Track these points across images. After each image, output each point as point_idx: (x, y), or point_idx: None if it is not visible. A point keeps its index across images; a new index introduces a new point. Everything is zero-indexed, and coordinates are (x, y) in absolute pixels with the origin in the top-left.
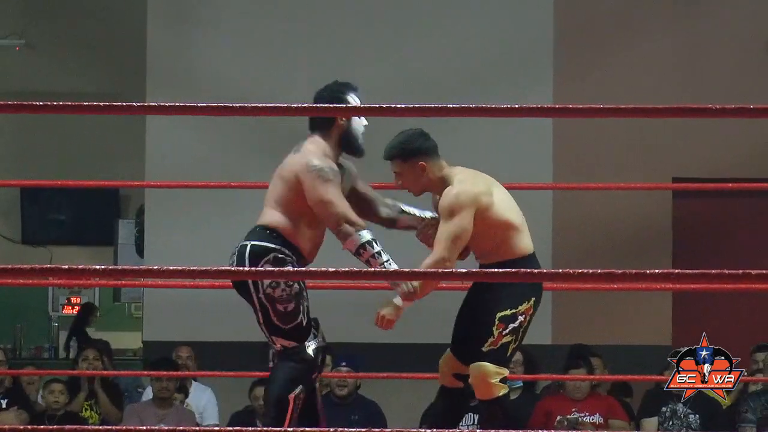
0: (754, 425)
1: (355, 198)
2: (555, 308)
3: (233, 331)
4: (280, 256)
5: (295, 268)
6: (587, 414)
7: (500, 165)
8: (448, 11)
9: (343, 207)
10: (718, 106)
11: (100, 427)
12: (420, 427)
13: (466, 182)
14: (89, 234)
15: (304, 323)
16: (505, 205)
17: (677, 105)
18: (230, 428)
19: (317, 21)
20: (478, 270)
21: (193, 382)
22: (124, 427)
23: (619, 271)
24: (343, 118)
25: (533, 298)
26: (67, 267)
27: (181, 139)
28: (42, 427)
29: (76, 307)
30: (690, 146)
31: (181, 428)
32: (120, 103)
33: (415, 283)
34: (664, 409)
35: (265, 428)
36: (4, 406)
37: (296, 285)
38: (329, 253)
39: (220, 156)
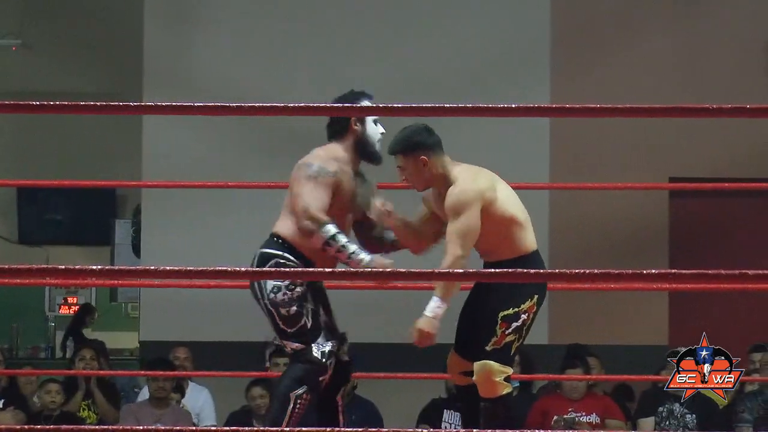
0: (750, 425)
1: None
2: (552, 308)
3: (230, 331)
4: (281, 261)
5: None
6: (584, 414)
7: (497, 164)
8: (445, 11)
9: (309, 201)
10: (715, 106)
11: (97, 427)
12: (417, 427)
13: (470, 179)
14: (86, 234)
15: (309, 325)
16: (509, 201)
17: (675, 105)
18: (227, 428)
19: (314, 21)
20: (476, 270)
21: (189, 382)
22: (121, 427)
23: (616, 271)
24: (357, 124)
25: (536, 296)
26: (63, 267)
27: (178, 139)
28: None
29: (73, 307)
30: (687, 146)
31: (177, 428)
32: (117, 103)
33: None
34: (660, 408)
35: (261, 428)
36: (0, 406)
37: (298, 289)
38: None
39: (217, 156)
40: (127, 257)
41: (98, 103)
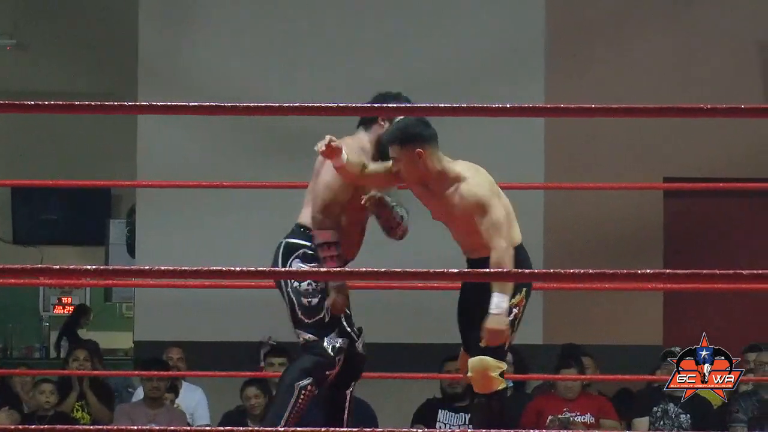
0: (745, 425)
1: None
2: (546, 308)
3: (225, 330)
4: (309, 252)
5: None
6: (578, 414)
7: (492, 164)
8: (440, 11)
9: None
10: (709, 106)
11: (91, 427)
12: (412, 427)
13: (477, 174)
14: (80, 234)
15: (327, 319)
16: (503, 196)
17: (669, 105)
18: (222, 428)
19: (310, 20)
20: (470, 270)
21: (183, 382)
22: (115, 427)
23: (611, 271)
24: (384, 122)
25: (524, 289)
26: (58, 267)
27: (172, 139)
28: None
29: (68, 307)
30: (682, 146)
31: (172, 428)
32: (112, 103)
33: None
34: (655, 408)
35: (256, 428)
36: None
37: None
38: None
39: (211, 156)
40: (122, 257)
41: (93, 103)
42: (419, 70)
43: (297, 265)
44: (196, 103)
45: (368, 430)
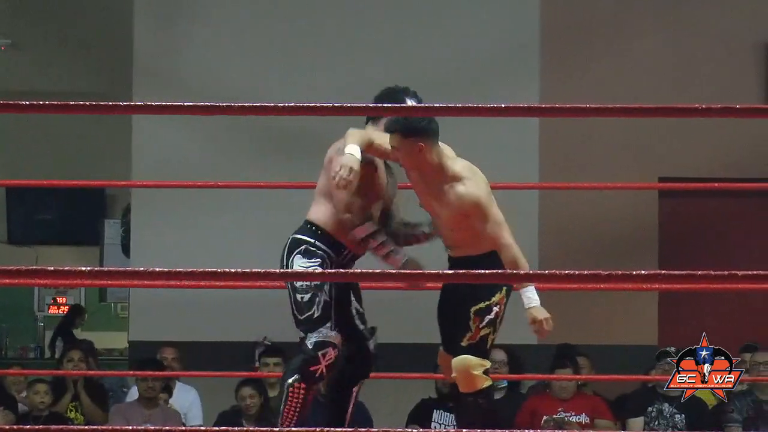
0: (740, 425)
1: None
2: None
3: (220, 330)
4: (311, 248)
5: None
6: (573, 414)
7: (487, 164)
8: (435, 11)
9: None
10: (704, 106)
11: (86, 427)
12: (406, 427)
13: (474, 174)
14: (75, 234)
15: (315, 315)
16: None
17: (664, 105)
18: (216, 428)
19: (305, 20)
20: (465, 271)
21: (177, 382)
22: (110, 427)
23: (606, 272)
24: None
25: (504, 288)
26: (52, 269)
27: (167, 139)
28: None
29: (62, 307)
30: (677, 146)
31: (167, 428)
32: (106, 103)
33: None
34: (650, 409)
35: (250, 428)
36: None
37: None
38: None
39: (207, 156)
40: (117, 257)
41: (88, 103)
42: (415, 70)
43: (298, 260)
44: (191, 103)
45: (363, 430)
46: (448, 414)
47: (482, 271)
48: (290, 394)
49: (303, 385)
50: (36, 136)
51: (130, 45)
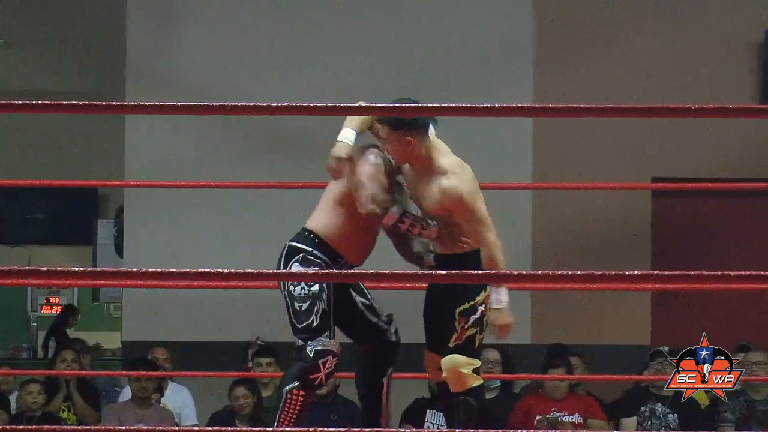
0: (732, 425)
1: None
2: (534, 308)
3: (213, 331)
4: (309, 257)
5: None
6: (566, 413)
7: (480, 163)
8: (429, 10)
9: (373, 187)
10: (698, 106)
11: (78, 427)
12: (400, 427)
13: (462, 170)
14: (68, 234)
15: (314, 324)
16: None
17: (657, 105)
18: (210, 428)
19: (301, 19)
20: (458, 272)
21: (169, 382)
22: (104, 427)
23: (599, 273)
24: None
25: (489, 287)
26: (45, 269)
27: (160, 139)
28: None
29: (55, 307)
30: (670, 146)
31: (160, 428)
32: (99, 102)
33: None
34: (643, 408)
35: (244, 428)
36: None
37: (316, 286)
38: None
39: (200, 156)
40: (110, 257)
41: (81, 103)
42: (411, 70)
43: (296, 269)
44: (183, 103)
45: (356, 430)
46: (441, 414)
47: (473, 272)
48: (288, 401)
49: (302, 393)
50: (28, 136)
51: (123, 44)
